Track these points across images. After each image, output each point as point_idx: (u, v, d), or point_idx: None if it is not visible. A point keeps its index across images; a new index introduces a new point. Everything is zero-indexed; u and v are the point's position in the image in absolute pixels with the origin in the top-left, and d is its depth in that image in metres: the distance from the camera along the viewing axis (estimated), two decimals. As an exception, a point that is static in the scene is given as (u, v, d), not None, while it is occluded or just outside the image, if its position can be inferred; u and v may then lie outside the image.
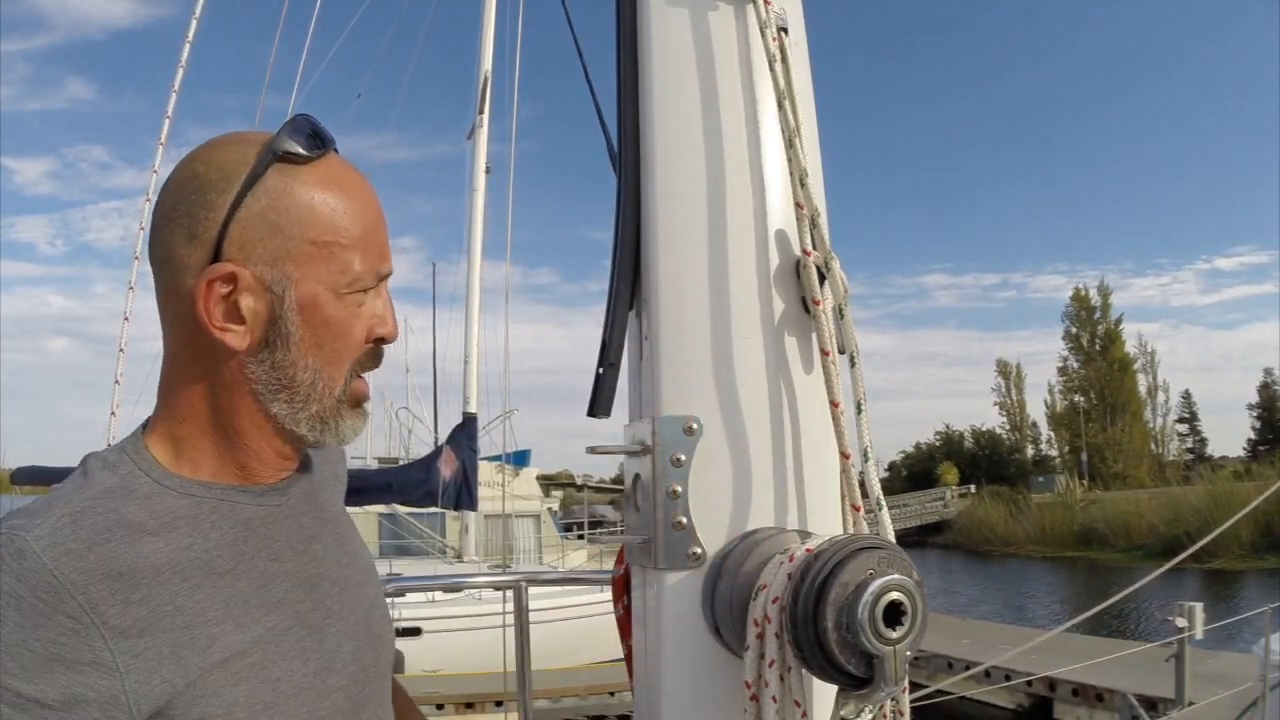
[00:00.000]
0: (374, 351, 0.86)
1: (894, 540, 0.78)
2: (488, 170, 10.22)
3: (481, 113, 10.19)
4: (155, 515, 0.76)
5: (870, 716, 0.80)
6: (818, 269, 0.88)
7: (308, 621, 0.86)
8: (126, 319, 5.35)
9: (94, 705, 0.67)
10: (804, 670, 0.73)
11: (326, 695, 0.84)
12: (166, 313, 0.83)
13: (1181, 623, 8.02)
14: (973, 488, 47.78)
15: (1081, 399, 54.03)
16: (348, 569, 0.94)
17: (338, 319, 0.82)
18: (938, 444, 60.80)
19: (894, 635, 0.69)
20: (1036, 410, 57.83)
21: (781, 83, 0.90)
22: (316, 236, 0.81)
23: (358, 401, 0.87)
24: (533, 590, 2.42)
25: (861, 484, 0.85)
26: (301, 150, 0.80)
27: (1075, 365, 54.66)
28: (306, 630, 0.85)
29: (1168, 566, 5.32)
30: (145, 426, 0.84)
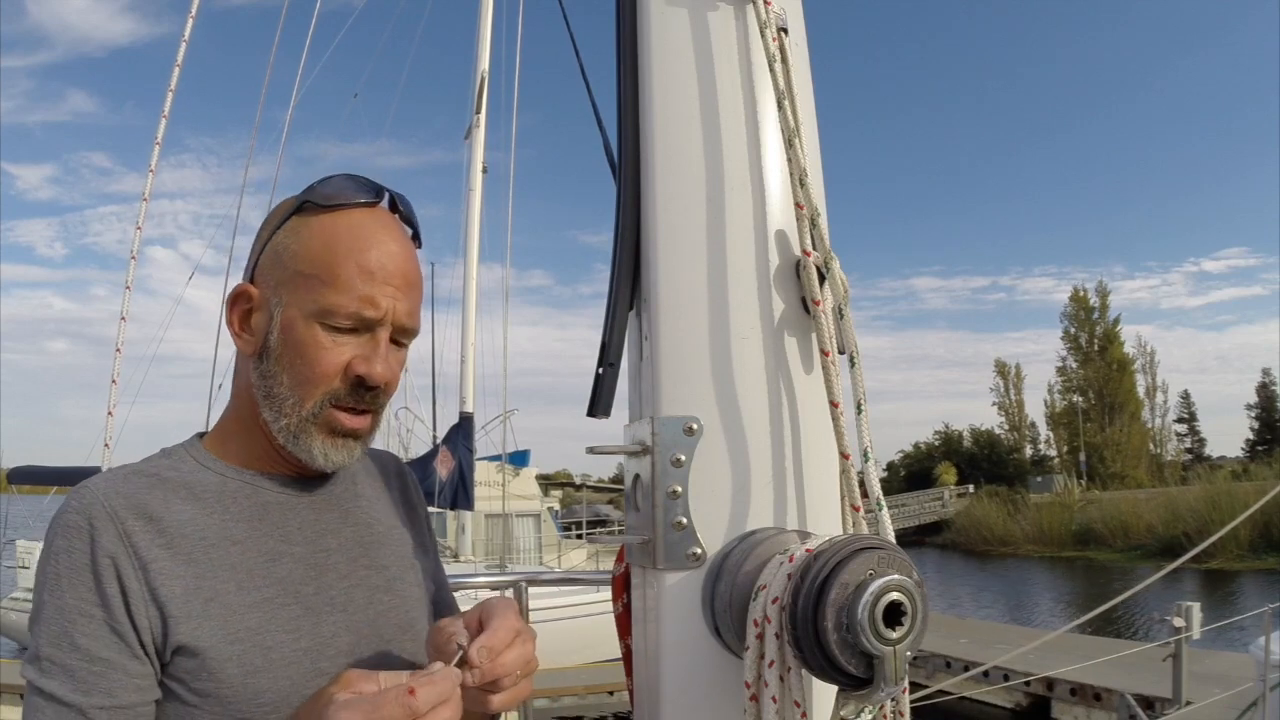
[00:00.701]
0: (353, 389, 0.94)
1: (894, 540, 0.78)
2: (484, 170, 10.22)
3: (478, 112, 10.19)
4: (189, 486, 0.92)
5: (870, 717, 0.79)
6: (817, 269, 0.88)
7: (307, 604, 0.95)
8: (124, 319, 5.34)
9: (120, 612, 0.83)
10: (804, 670, 0.73)
11: (314, 676, 0.91)
12: None
13: (1179, 623, 8.03)
14: (971, 488, 47.74)
15: (1080, 399, 54.03)
16: (365, 570, 1.02)
17: (304, 343, 0.93)
18: (937, 444, 60.81)
19: (894, 635, 0.69)
20: (1035, 410, 57.89)
21: (781, 83, 0.89)
22: (302, 268, 0.94)
23: (333, 429, 0.95)
24: (531, 590, 2.42)
25: (861, 484, 0.84)
26: (318, 200, 0.96)
27: (1074, 365, 54.67)
28: (304, 610, 0.94)
29: (1170, 568, 5.33)
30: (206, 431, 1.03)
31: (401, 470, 1.20)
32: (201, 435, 1.01)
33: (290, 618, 0.92)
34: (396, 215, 1.01)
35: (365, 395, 0.94)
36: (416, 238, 1.04)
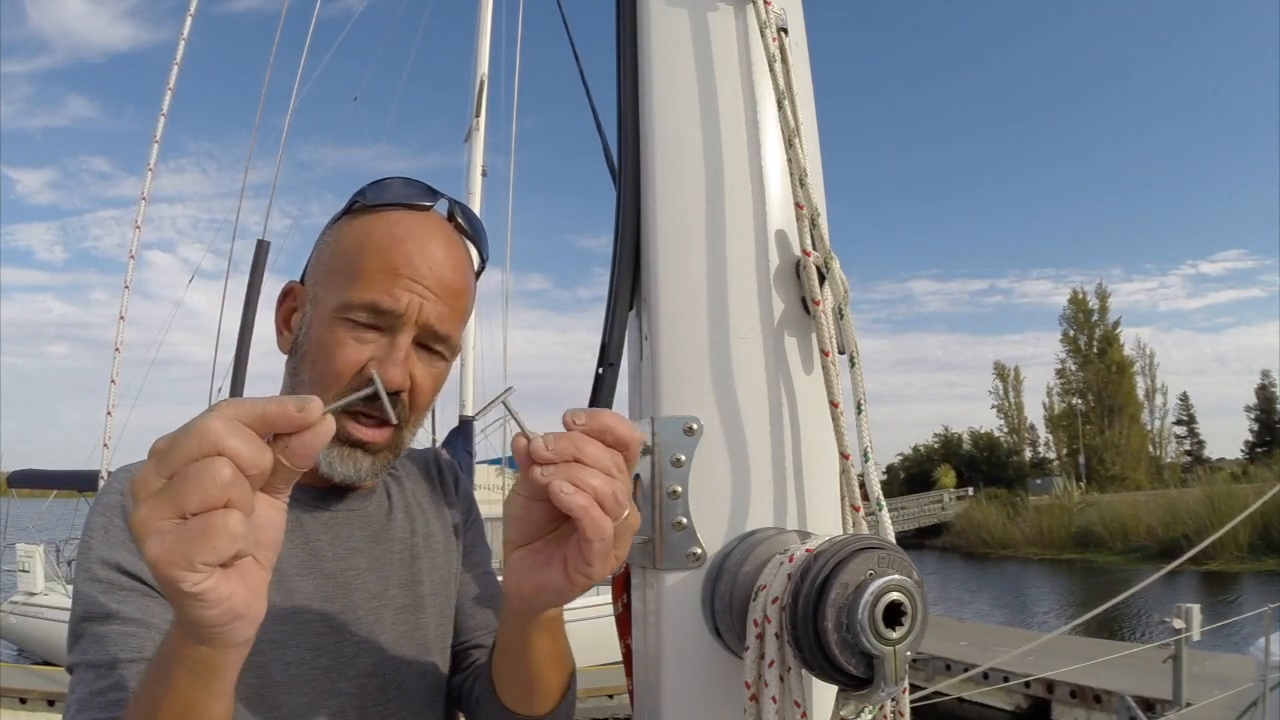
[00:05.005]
0: (363, 389, 0.89)
1: (894, 541, 0.78)
2: (484, 173, 10.21)
3: (478, 115, 10.18)
4: None
5: (870, 717, 0.79)
6: (817, 269, 0.88)
7: (332, 622, 0.93)
8: (122, 318, 5.33)
9: (152, 582, 0.80)
10: (804, 670, 0.73)
11: (332, 695, 0.88)
12: None
13: (1179, 624, 8.02)
14: (970, 490, 47.70)
15: (1079, 401, 54.02)
16: (395, 589, 1.00)
17: (323, 338, 0.90)
18: (936, 446, 60.74)
19: (894, 635, 0.69)
20: (1035, 413, 57.87)
21: (781, 83, 0.89)
22: (333, 265, 0.93)
23: (340, 438, 0.90)
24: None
25: (861, 485, 0.84)
26: (367, 200, 0.94)
27: (1073, 368, 54.67)
28: (328, 628, 0.92)
29: (1169, 569, 5.33)
30: None
31: (442, 467, 1.16)
32: None
33: (313, 634, 0.91)
34: (453, 224, 0.98)
35: (377, 402, 0.89)
36: (481, 253, 1.02)
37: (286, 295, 0.98)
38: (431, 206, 0.96)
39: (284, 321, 0.98)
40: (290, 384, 0.94)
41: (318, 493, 0.96)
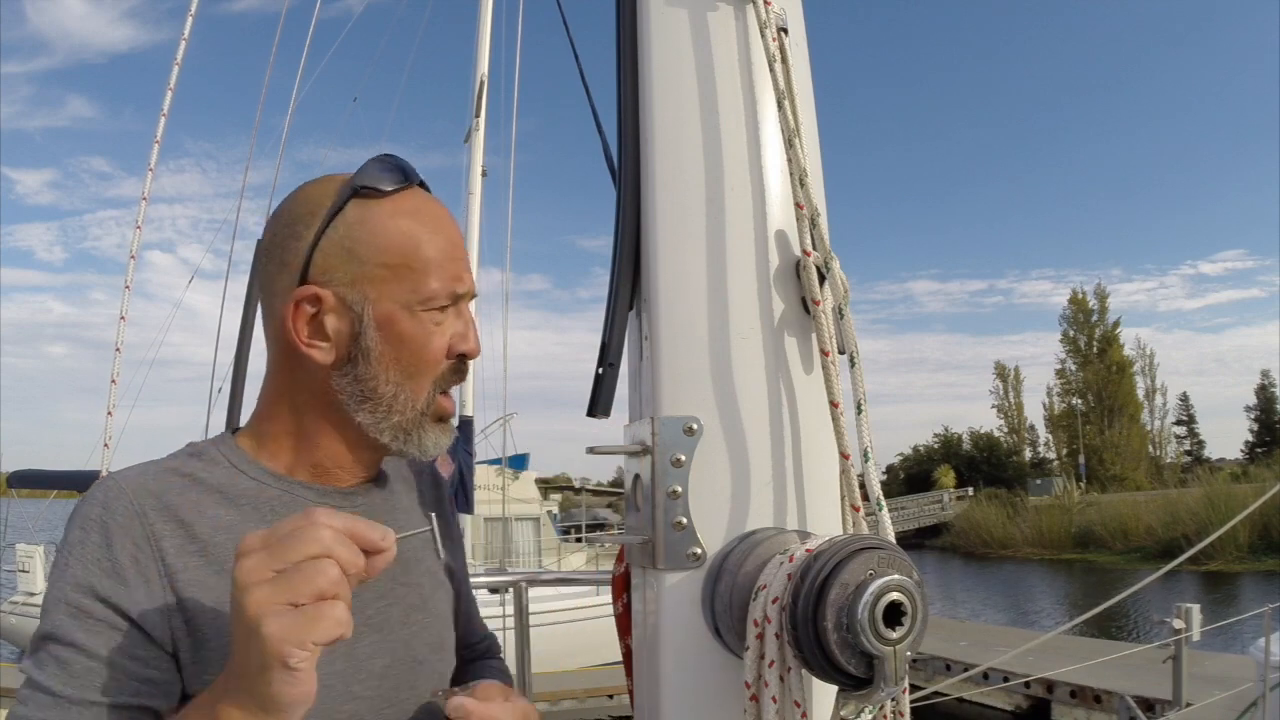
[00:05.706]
0: (456, 367, 0.93)
1: (894, 541, 0.78)
2: (484, 173, 10.21)
3: (478, 115, 10.17)
4: (225, 489, 0.87)
5: (870, 717, 0.79)
6: (818, 269, 0.88)
7: None
8: (123, 318, 5.31)
9: (134, 613, 0.79)
10: (804, 670, 0.73)
11: (347, 700, 0.87)
12: (267, 332, 0.94)
13: (1179, 624, 8.02)
14: (970, 490, 47.69)
15: (1079, 401, 54.02)
16: (402, 588, 0.99)
17: (412, 335, 0.89)
18: (936, 447, 60.76)
19: (894, 635, 0.69)
20: (1034, 413, 57.88)
21: (781, 83, 0.90)
22: (389, 260, 0.89)
23: (441, 417, 0.94)
24: (531, 592, 2.41)
25: (861, 485, 0.84)
26: (378, 185, 0.90)
27: (1073, 368, 54.67)
28: None
29: (1168, 568, 5.33)
30: (240, 427, 0.96)
31: (430, 471, 1.15)
32: (234, 432, 0.95)
33: None
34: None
35: (464, 370, 0.95)
36: None
37: (306, 303, 0.89)
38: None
39: (314, 333, 0.89)
40: (360, 391, 0.89)
41: (321, 490, 0.95)
